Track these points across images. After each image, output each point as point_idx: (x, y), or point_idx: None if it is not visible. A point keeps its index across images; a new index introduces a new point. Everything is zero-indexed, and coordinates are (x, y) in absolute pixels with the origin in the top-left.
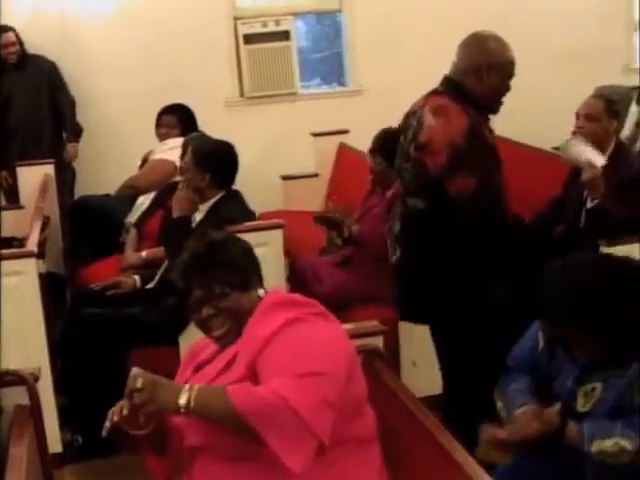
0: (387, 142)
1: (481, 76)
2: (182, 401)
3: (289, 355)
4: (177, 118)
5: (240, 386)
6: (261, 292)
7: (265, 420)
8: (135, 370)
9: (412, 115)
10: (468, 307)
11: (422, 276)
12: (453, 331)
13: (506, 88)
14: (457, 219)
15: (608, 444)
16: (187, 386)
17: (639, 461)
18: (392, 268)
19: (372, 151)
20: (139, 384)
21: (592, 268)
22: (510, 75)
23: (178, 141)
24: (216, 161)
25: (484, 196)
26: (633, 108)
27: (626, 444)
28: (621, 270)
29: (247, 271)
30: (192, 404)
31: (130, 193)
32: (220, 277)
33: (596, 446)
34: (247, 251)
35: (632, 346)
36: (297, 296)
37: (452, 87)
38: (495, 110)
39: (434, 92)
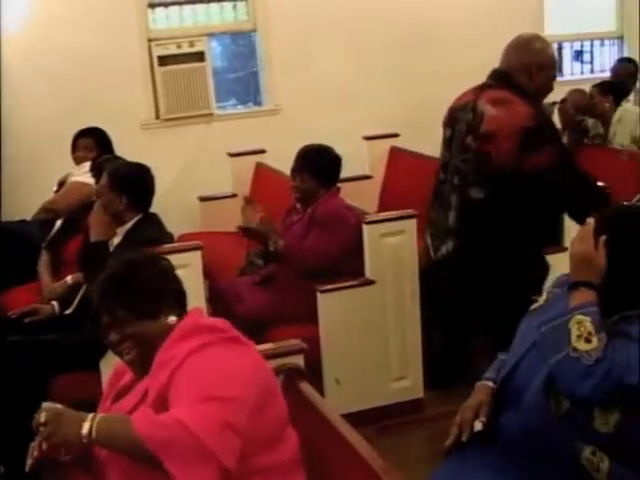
0: (313, 159)
1: (531, 75)
2: (84, 431)
3: (194, 380)
4: (94, 141)
5: (142, 414)
6: (172, 319)
7: (166, 446)
8: (45, 404)
9: (460, 109)
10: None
11: (480, 263)
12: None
13: (550, 88)
14: (523, 205)
15: (589, 327)
16: (90, 416)
17: (578, 354)
18: (438, 261)
19: (296, 170)
20: (42, 418)
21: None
22: (555, 75)
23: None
24: (132, 184)
25: (565, 167)
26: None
27: (594, 341)
28: None
29: (158, 297)
30: (94, 434)
31: (47, 216)
32: (125, 303)
33: (582, 318)
34: (165, 273)
35: (618, 299)
36: (211, 321)
37: (506, 81)
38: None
39: (485, 86)
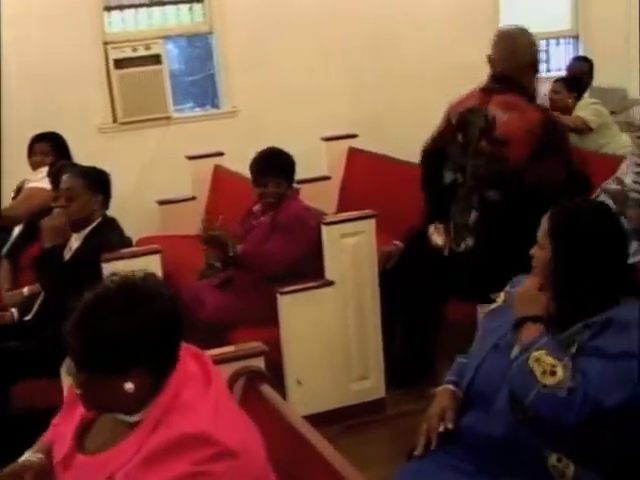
0: (281, 162)
1: (537, 69)
2: None
3: None
4: (50, 145)
5: None
6: (129, 386)
7: None
8: None
9: (470, 113)
10: None
11: (495, 261)
12: None
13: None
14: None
15: (549, 360)
16: None
17: (550, 389)
18: (457, 256)
19: (268, 175)
20: None
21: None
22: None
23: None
24: (105, 184)
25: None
26: None
27: (560, 372)
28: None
29: (123, 352)
30: None
31: (5, 224)
32: (79, 348)
33: (539, 354)
34: (148, 321)
35: (577, 306)
36: (205, 430)
37: (513, 84)
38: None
39: (491, 90)
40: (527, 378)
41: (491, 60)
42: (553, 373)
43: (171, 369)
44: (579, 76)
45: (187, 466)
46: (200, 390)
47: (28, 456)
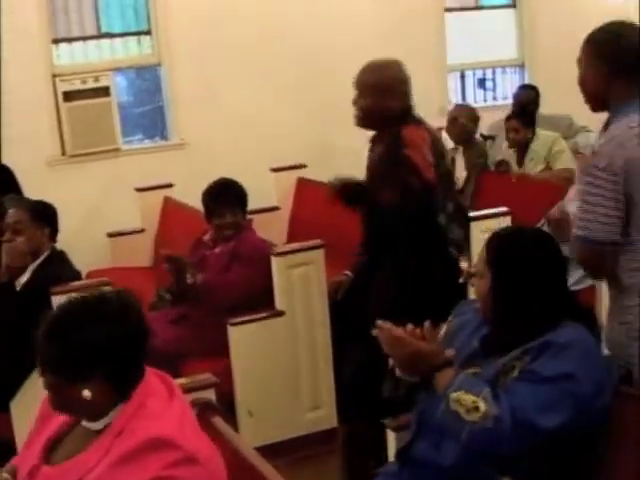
0: (237, 192)
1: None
2: None
3: None
4: None
5: None
6: (86, 394)
7: None
8: None
9: (437, 141)
10: None
11: None
12: None
13: None
14: None
15: (468, 398)
16: None
17: (478, 425)
18: None
19: (225, 206)
20: None
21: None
22: None
23: None
24: (51, 217)
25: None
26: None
27: (482, 405)
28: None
29: (82, 360)
30: None
31: None
32: (43, 351)
33: (457, 395)
34: (113, 336)
35: (516, 333)
36: (170, 434)
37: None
38: None
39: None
40: (454, 421)
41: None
42: (476, 409)
43: (133, 381)
44: (526, 104)
45: (153, 471)
46: (164, 402)
47: None
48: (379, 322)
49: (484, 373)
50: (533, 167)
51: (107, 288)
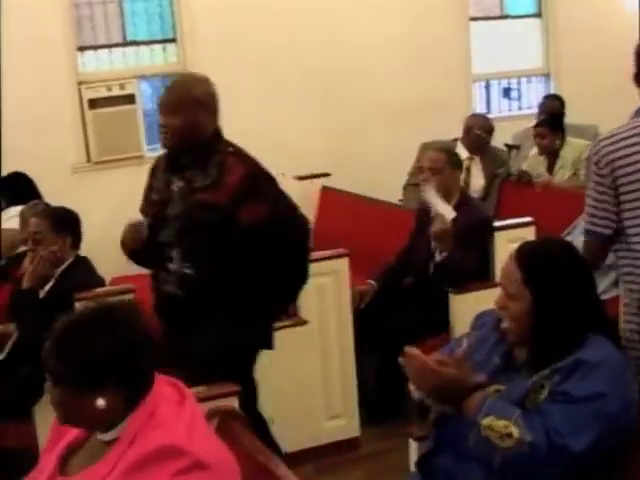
0: None
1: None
2: None
3: None
4: (8, 189)
5: None
6: (100, 403)
7: None
8: None
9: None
10: None
11: None
12: None
13: None
14: None
15: (499, 424)
16: None
17: (513, 451)
18: None
19: None
20: None
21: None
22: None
23: (16, 210)
24: (72, 225)
25: None
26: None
27: (514, 431)
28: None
29: (95, 370)
30: None
31: None
32: (54, 363)
33: (488, 421)
34: (124, 345)
35: (549, 351)
36: (178, 442)
37: None
38: None
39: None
40: (486, 447)
41: None
42: (509, 435)
43: (144, 390)
44: (552, 113)
45: (164, 479)
46: (174, 409)
47: None
48: (407, 349)
49: (509, 391)
50: (563, 174)
51: (130, 295)
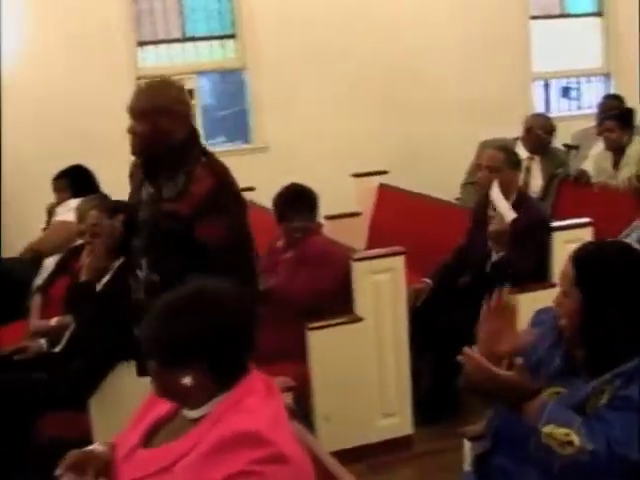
0: (307, 197)
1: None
2: None
3: None
4: (66, 182)
5: None
6: (186, 380)
7: None
8: None
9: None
10: None
11: None
12: None
13: None
14: None
15: (560, 432)
16: None
17: (573, 458)
18: None
19: (293, 210)
20: None
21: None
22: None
23: (75, 202)
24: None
25: None
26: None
27: (575, 439)
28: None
29: (184, 348)
30: None
31: (33, 256)
32: (148, 338)
33: (549, 429)
34: (216, 326)
35: (606, 353)
36: (261, 430)
37: None
38: None
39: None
40: (547, 454)
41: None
42: (570, 443)
43: (235, 375)
44: (627, 109)
45: (240, 465)
46: (261, 400)
47: (94, 446)
48: (466, 349)
49: (569, 395)
50: (627, 172)
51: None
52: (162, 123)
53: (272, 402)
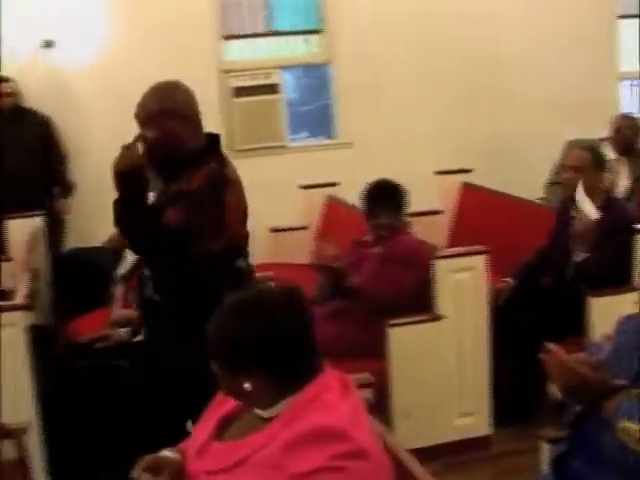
0: (395, 193)
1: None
2: None
3: None
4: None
5: None
6: (246, 386)
7: None
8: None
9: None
10: None
11: None
12: None
13: None
14: None
15: (635, 427)
16: None
17: None
18: None
19: (380, 205)
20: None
21: None
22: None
23: None
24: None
25: None
26: None
27: None
28: None
29: (241, 354)
30: None
31: (116, 246)
32: (210, 340)
33: (624, 424)
34: (274, 329)
35: None
36: (342, 426)
37: None
38: None
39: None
40: (621, 450)
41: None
42: None
43: (303, 375)
44: None
45: (322, 461)
46: (337, 396)
47: (166, 453)
48: (548, 345)
49: None
50: None
51: (270, 283)
52: (171, 126)
53: (349, 398)
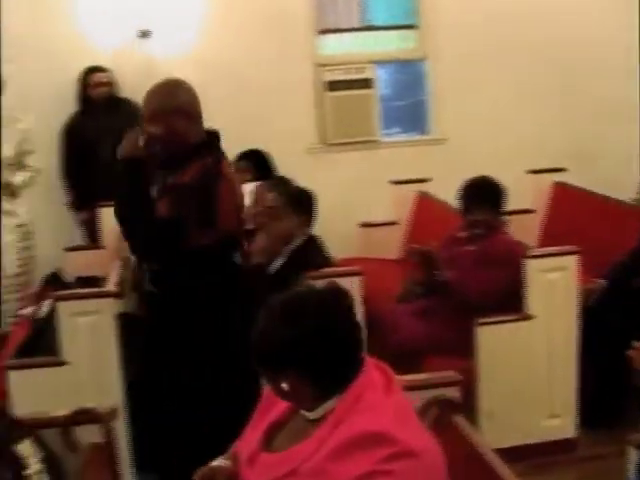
0: (493, 191)
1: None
2: None
3: None
4: (251, 164)
5: None
6: (284, 386)
7: None
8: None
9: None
10: None
11: None
12: None
13: None
14: None
15: None
16: None
17: None
18: None
19: (477, 202)
20: None
21: None
22: None
23: (252, 186)
24: (308, 203)
25: None
26: None
27: None
28: None
29: (276, 354)
30: None
31: None
32: (256, 347)
33: None
34: (327, 336)
35: None
36: (386, 429)
37: None
38: None
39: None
40: None
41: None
42: None
43: (345, 375)
44: None
45: (369, 465)
46: (381, 395)
47: (219, 462)
48: (636, 343)
49: None
50: None
51: (355, 278)
52: (175, 124)
53: (392, 396)
